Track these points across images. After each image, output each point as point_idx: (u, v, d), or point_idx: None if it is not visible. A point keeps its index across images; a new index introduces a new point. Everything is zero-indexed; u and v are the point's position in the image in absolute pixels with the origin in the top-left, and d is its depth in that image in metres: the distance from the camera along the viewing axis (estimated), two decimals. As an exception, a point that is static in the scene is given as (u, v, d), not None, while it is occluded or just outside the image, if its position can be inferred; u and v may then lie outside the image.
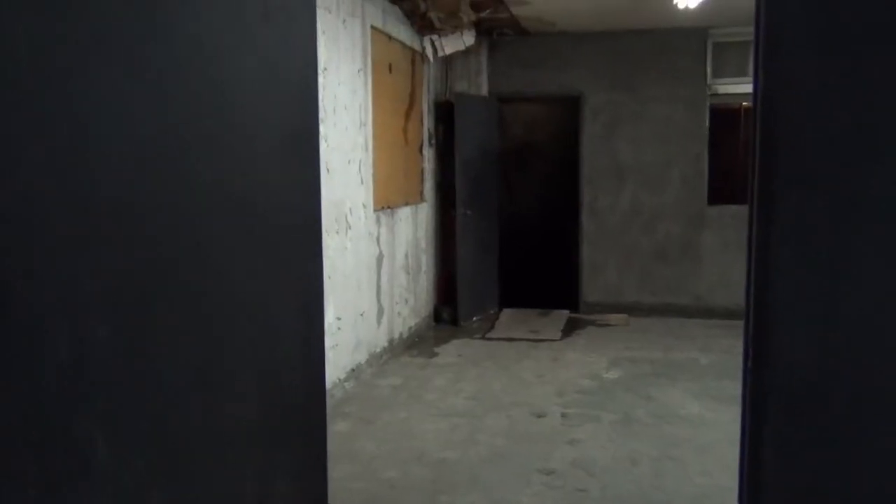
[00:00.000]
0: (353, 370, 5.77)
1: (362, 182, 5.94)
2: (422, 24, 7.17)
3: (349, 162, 5.66)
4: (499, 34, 8.24)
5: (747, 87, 8.39)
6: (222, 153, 1.61)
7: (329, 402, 5.17)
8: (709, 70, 8.16)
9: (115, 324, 1.30)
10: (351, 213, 5.70)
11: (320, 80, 4.98)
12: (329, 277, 5.28)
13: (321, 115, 5.06)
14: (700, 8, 6.46)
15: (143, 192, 1.36)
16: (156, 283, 1.40)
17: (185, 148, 1.48)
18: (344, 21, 5.51)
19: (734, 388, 5.72)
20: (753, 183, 1.70)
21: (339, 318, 5.47)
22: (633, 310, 8.47)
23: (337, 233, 5.45)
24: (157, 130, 1.40)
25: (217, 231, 1.58)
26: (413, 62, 7.33)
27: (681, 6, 6.20)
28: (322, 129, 5.11)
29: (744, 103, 10.34)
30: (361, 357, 5.97)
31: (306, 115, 1.93)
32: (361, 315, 5.97)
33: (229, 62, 1.62)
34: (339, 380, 5.49)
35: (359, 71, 5.83)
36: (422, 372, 6.25)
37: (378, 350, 6.35)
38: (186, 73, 1.47)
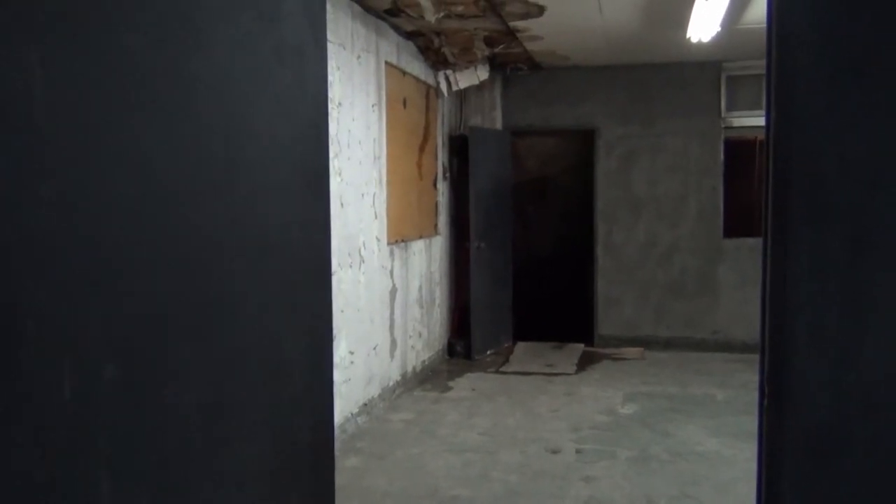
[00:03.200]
0: (365, 404, 5.73)
1: (376, 216, 5.95)
2: (436, 60, 7.24)
3: (363, 196, 5.68)
4: (512, 69, 8.30)
5: (761, 120, 8.33)
6: (235, 193, 1.62)
7: (341, 437, 5.14)
8: (723, 103, 8.17)
9: (121, 363, 1.30)
10: (364, 246, 5.71)
11: (335, 114, 5.04)
12: (342, 311, 5.28)
13: (335, 149, 5.10)
14: (713, 42, 6.49)
15: (153, 229, 1.37)
16: (164, 321, 1.40)
17: (198, 187, 1.48)
18: (359, 57, 5.57)
19: (752, 424, 5.61)
20: (767, 217, 1.68)
21: (351, 353, 5.45)
22: (648, 343, 8.39)
23: (350, 266, 5.46)
24: (170, 170, 1.40)
25: (228, 270, 1.58)
26: (427, 97, 7.39)
27: (694, 40, 6.22)
28: (336, 163, 5.15)
29: (758, 136, 10.35)
30: (374, 391, 5.93)
31: (318, 153, 1.93)
32: (374, 349, 5.94)
33: (244, 105, 1.64)
34: (352, 414, 5.45)
35: (373, 106, 5.88)
36: (435, 406, 6.20)
37: (391, 384, 6.32)
38: (201, 116, 1.48)
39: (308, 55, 1.87)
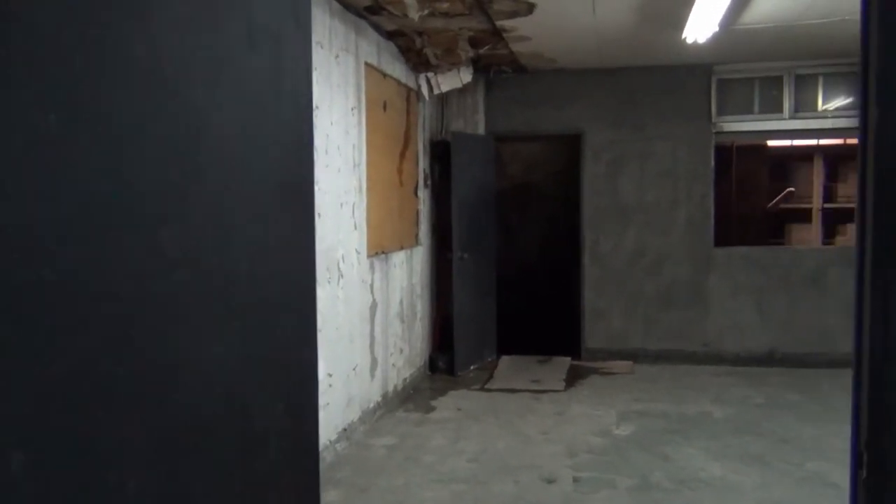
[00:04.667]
0: (344, 430, 5.34)
1: (356, 227, 5.57)
2: (417, 61, 6.87)
3: (342, 205, 5.30)
4: (496, 72, 7.97)
5: (752, 125, 8.17)
6: (190, 218, 1.24)
7: (320, 466, 4.73)
8: (713, 107, 7.90)
9: (36, 445, 0.93)
10: (343, 260, 5.32)
11: (312, 118, 4.65)
12: (320, 331, 4.88)
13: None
14: (708, 43, 6.21)
15: (68, 270, 0.99)
16: (93, 388, 1.02)
17: (143, 212, 1.10)
18: (337, 57, 5.19)
19: (756, 445, 5.33)
20: (864, 225, 1.34)
21: (330, 375, 5.06)
22: (637, 356, 8.09)
23: (329, 282, 5.07)
24: (96, 183, 1.02)
25: (179, 315, 1.20)
26: (408, 100, 7.03)
27: (689, 41, 5.93)
28: (314, 171, 4.75)
29: (734, 142, 10.12)
30: (354, 415, 5.54)
31: (300, 161, 1.56)
32: (354, 369, 5.55)
33: (202, 100, 1.26)
34: (330, 441, 5.06)
35: (352, 109, 5.50)
36: (418, 429, 5.82)
37: (371, 406, 5.93)
38: (142, 114, 1.11)
39: (287, 40, 1.50)
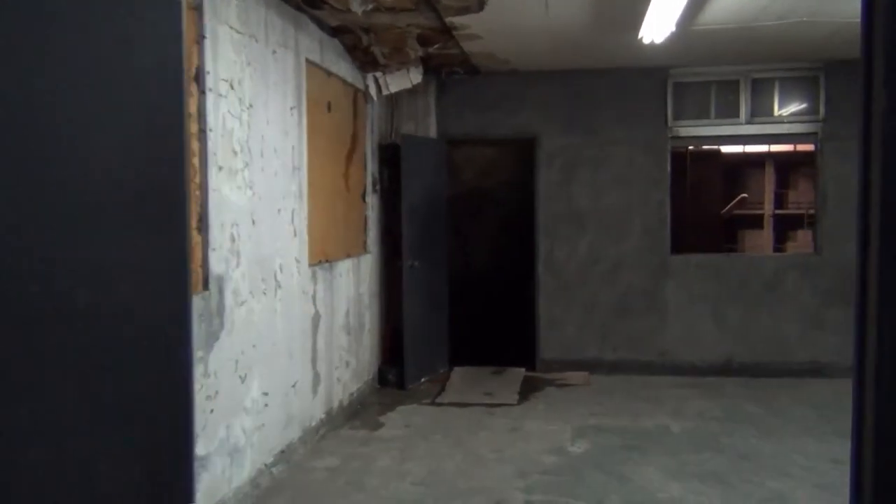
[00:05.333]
0: (283, 451, 4.98)
1: (295, 234, 5.22)
2: (364, 60, 6.55)
3: (279, 211, 4.95)
4: (448, 73, 7.69)
5: (709, 130, 8.01)
6: (12, 229, 0.91)
7: (253, 493, 4.39)
8: (669, 111, 7.72)
9: None
10: (281, 269, 4.97)
11: (245, 117, 4.31)
12: (254, 347, 4.53)
13: (245, 158, 4.37)
14: (665, 44, 6.01)
15: None
16: None
17: None
18: (274, 52, 4.85)
19: (715, 462, 5.10)
20: (869, 229, 1.08)
21: (265, 394, 4.70)
22: (593, 367, 7.86)
23: (265, 293, 4.71)
24: None
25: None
26: (355, 101, 6.70)
27: (646, 41, 5.72)
28: (247, 174, 4.42)
29: (687, 147, 10.02)
30: (293, 434, 5.19)
31: (168, 158, 1.23)
32: (293, 386, 5.20)
33: (14, 75, 0.93)
34: (266, 465, 4.69)
35: (291, 109, 5.16)
36: (364, 449, 5.48)
37: (314, 424, 5.57)
38: None
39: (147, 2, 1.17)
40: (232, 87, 4.22)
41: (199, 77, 3.90)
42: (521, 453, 5.34)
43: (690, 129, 7.79)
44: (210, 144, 3.97)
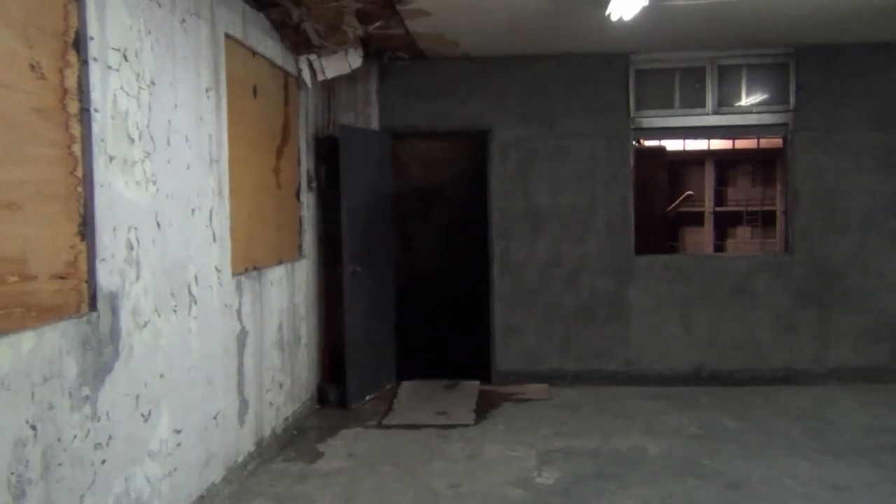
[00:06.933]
0: (201, 497, 4.18)
1: (214, 238, 4.42)
2: (296, 40, 5.77)
3: (194, 212, 4.15)
4: (391, 58, 6.95)
5: (673, 121, 7.45)
6: None
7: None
8: (632, 101, 7.14)
9: None
10: (197, 281, 4.17)
11: (144, 97, 3.51)
12: (161, 377, 3.73)
13: (146, 147, 3.57)
14: (627, 26, 5.40)
15: None
16: None
17: None
18: (183, 21, 4.04)
19: (702, 493, 4.42)
20: None
21: (177, 432, 3.89)
22: (554, 378, 7.22)
23: (175, 311, 3.91)
24: None
25: None
26: (287, 87, 5.91)
27: (614, 17, 5.09)
28: (148, 166, 3.61)
29: (644, 141, 9.48)
30: (215, 475, 4.39)
31: None
32: (215, 418, 4.40)
33: None
34: (179, 518, 3.89)
35: (207, 90, 4.36)
36: (299, 487, 4.71)
37: (241, 459, 4.78)
38: None
39: None
40: (126, 59, 3.41)
41: (80, 43, 3.09)
42: (483, 487, 4.65)
43: (654, 119, 7.22)
44: (96, 128, 3.17)
